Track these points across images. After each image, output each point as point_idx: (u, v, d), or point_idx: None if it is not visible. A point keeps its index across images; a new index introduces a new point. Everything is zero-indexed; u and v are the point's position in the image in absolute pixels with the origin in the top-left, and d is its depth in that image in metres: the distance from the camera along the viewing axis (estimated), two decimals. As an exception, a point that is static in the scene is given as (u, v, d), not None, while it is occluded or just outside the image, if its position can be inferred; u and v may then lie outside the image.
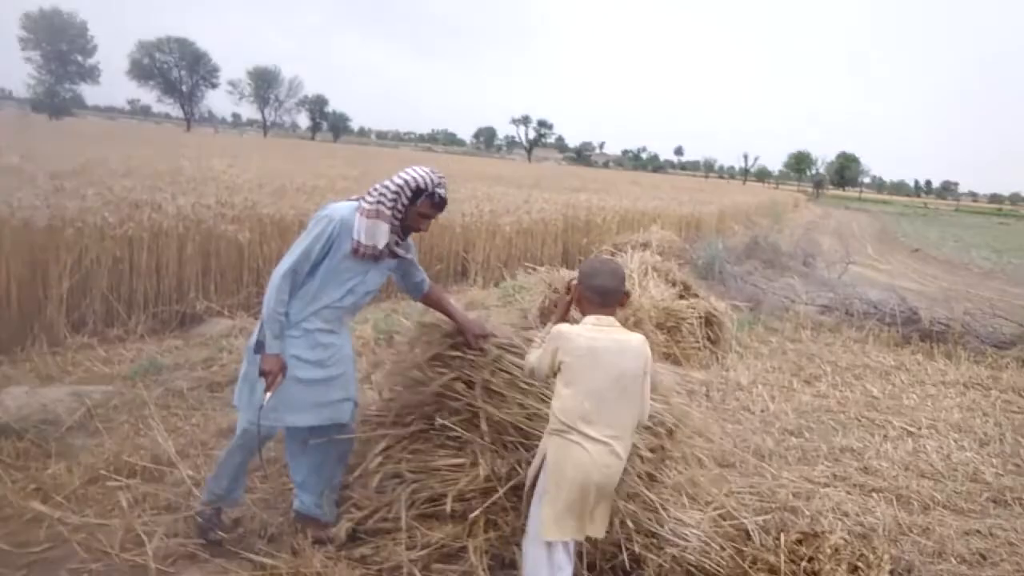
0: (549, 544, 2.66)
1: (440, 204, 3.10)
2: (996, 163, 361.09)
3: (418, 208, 3.06)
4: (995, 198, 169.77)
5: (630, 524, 2.98)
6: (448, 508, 3.11)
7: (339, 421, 3.20)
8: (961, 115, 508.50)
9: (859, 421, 5.64)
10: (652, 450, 3.15)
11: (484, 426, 3.17)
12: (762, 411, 5.64)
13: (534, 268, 6.40)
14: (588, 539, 2.80)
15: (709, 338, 6.82)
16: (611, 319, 2.67)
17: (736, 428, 5.19)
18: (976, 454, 5.14)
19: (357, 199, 3.12)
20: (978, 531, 3.98)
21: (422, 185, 3.03)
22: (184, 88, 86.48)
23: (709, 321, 6.92)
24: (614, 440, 2.58)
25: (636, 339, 2.67)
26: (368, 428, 3.47)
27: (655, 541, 3.07)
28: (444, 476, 3.23)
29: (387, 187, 3.03)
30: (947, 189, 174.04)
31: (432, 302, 3.45)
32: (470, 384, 3.25)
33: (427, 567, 3.07)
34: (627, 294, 2.78)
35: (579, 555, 2.91)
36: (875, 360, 7.56)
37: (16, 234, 6.02)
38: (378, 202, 3.02)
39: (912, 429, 5.52)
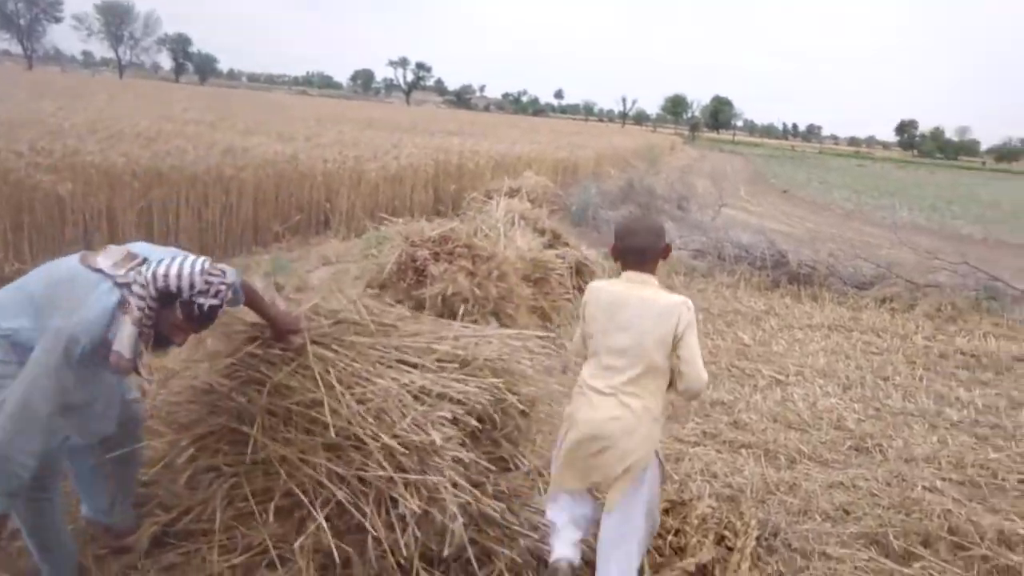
0: (553, 498, 2.66)
1: (201, 318, 2.23)
2: (855, 107, 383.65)
3: (170, 316, 2.23)
4: (853, 141, 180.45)
5: (476, 516, 2.63)
6: (271, 505, 2.68)
7: (107, 433, 2.55)
8: (824, 60, 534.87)
9: (730, 371, 5.55)
10: (507, 436, 2.83)
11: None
12: (633, 365, 5.43)
13: (391, 220, 5.87)
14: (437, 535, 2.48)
15: (580, 289, 6.56)
16: (646, 276, 2.59)
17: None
18: (840, 400, 5.14)
19: (118, 281, 2.23)
20: (841, 483, 3.93)
21: (174, 289, 2.16)
22: (22, 22, 78.35)
23: (580, 271, 6.67)
24: (625, 395, 2.47)
25: (668, 300, 2.52)
26: (177, 418, 2.96)
27: (508, 532, 2.74)
28: (268, 468, 2.78)
29: (146, 275, 2.20)
30: (812, 132, 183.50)
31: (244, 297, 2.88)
32: (261, 385, 2.77)
33: (248, 573, 2.64)
34: (667, 247, 2.68)
35: (423, 555, 2.53)
36: (746, 305, 7.56)
37: None
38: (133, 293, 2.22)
39: (780, 377, 5.48)
